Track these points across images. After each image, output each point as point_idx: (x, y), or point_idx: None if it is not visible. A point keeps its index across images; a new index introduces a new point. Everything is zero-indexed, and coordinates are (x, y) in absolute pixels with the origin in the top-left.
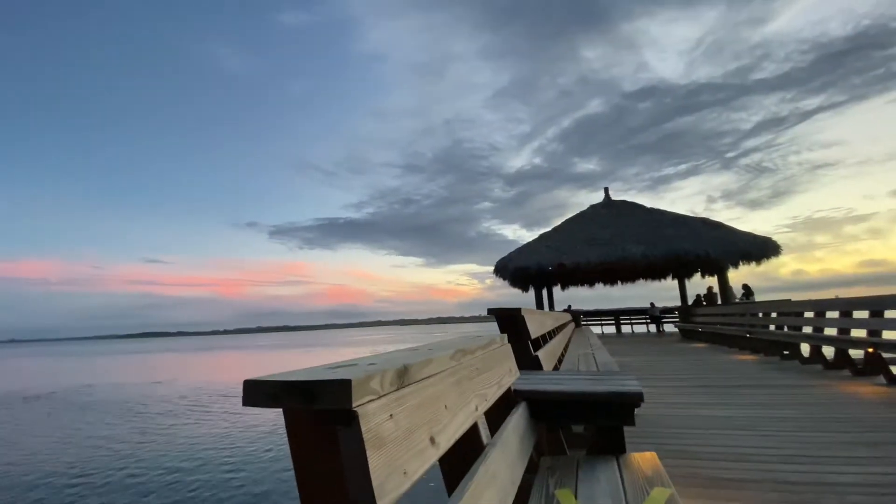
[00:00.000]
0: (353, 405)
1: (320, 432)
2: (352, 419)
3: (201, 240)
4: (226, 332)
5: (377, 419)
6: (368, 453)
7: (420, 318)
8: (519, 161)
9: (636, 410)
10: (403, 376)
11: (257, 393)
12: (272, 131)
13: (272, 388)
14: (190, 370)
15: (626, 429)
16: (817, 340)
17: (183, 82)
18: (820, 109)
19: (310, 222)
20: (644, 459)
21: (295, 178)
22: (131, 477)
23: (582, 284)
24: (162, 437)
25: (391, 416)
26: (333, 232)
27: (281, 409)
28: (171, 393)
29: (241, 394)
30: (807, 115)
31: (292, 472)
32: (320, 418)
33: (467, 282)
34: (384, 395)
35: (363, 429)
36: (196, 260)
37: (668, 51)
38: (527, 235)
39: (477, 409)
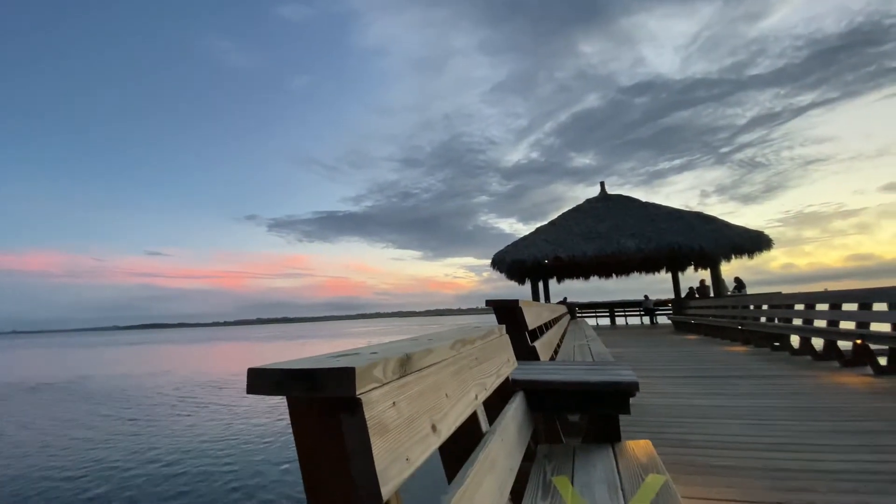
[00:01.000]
0: (357, 393)
1: (324, 420)
2: (355, 407)
3: (202, 233)
4: (226, 323)
5: (380, 407)
6: (372, 440)
7: (418, 310)
8: (516, 155)
9: (631, 399)
10: (405, 365)
11: (261, 381)
12: (273, 126)
13: (276, 376)
14: (191, 361)
15: (621, 417)
16: (807, 332)
17: (184, 77)
18: (813, 105)
19: (308, 215)
20: (639, 447)
21: (294, 171)
22: (134, 467)
23: (577, 277)
24: (163, 428)
25: (394, 403)
26: (332, 225)
27: (284, 398)
28: (171, 383)
29: (242, 384)
30: (800, 110)
31: (296, 460)
32: (324, 406)
33: (464, 275)
34: (387, 384)
35: (367, 416)
36: (197, 252)
37: (664, 46)
38: (523, 229)
39: (476, 397)
